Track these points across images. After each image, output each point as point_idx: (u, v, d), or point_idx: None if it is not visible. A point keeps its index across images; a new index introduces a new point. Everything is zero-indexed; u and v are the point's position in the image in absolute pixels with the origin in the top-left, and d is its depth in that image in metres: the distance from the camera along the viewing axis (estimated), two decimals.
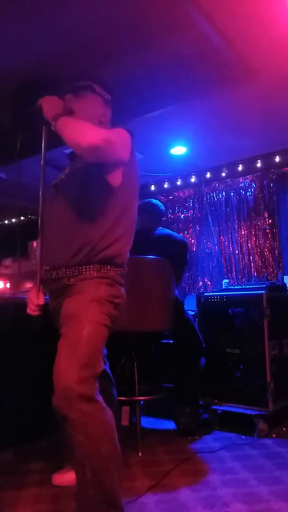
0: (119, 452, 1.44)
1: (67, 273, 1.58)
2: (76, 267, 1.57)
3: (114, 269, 1.61)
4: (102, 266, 1.57)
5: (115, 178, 1.61)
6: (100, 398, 1.42)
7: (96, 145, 1.46)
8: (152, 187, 4.74)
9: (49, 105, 1.63)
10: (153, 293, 2.55)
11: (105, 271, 1.58)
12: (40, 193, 1.68)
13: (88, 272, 1.56)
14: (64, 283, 1.59)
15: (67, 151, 1.85)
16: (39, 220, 1.66)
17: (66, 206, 1.63)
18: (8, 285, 3.80)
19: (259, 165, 4.10)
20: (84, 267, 1.56)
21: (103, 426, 1.40)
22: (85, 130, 1.50)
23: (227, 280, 3.92)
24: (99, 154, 1.49)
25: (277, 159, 3.98)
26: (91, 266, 1.56)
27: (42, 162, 1.68)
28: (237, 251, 4.30)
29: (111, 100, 1.80)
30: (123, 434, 2.65)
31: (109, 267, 1.59)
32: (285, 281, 3.64)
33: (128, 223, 1.67)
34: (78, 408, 1.35)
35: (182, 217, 4.74)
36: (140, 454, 2.34)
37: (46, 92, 1.70)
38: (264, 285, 3.06)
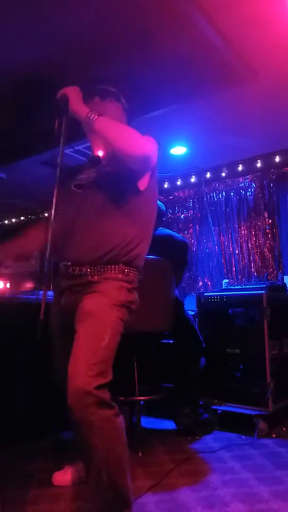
0: (128, 455, 1.46)
1: (92, 270, 1.60)
2: (102, 266, 1.60)
3: (135, 271, 1.66)
4: (126, 266, 1.62)
5: (143, 183, 1.68)
6: (115, 405, 1.44)
7: (148, 155, 1.57)
8: None
9: (76, 97, 1.60)
10: (153, 293, 2.54)
11: (128, 272, 1.62)
12: (55, 186, 1.57)
13: (113, 271, 1.60)
14: (88, 280, 1.60)
15: (79, 147, 1.81)
16: (52, 214, 1.55)
17: (97, 207, 1.66)
18: (8, 285, 3.79)
19: (259, 165, 4.10)
20: (109, 266, 1.60)
21: (117, 431, 1.42)
22: (137, 138, 1.57)
23: (227, 280, 3.91)
24: (146, 162, 1.59)
25: (277, 159, 3.98)
26: (116, 266, 1.60)
27: (60, 154, 1.58)
28: (237, 251, 4.30)
29: (128, 110, 1.88)
30: None
31: (131, 268, 1.64)
32: (285, 281, 3.64)
33: (150, 227, 1.75)
34: (96, 413, 1.35)
35: (182, 217, 4.74)
36: (140, 454, 2.33)
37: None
38: (264, 285, 3.06)
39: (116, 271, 1.60)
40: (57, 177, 1.58)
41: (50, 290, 1.75)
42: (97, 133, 1.61)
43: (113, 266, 1.60)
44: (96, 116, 1.56)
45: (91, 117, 1.55)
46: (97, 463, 1.37)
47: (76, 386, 1.36)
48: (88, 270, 1.60)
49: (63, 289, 1.71)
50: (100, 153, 1.77)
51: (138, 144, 1.56)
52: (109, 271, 1.59)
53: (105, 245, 1.60)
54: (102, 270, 1.60)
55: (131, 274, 1.64)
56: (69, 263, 1.66)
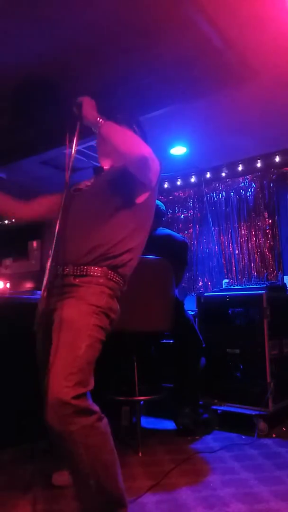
0: (116, 456, 1.44)
1: (75, 271, 1.58)
2: (84, 266, 1.57)
3: (118, 279, 1.62)
4: (109, 271, 1.59)
5: (140, 198, 1.70)
6: (96, 407, 1.42)
7: (145, 157, 1.61)
8: None
9: (89, 105, 1.71)
10: (153, 293, 2.54)
11: (111, 277, 1.59)
12: (65, 185, 1.68)
13: (94, 274, 1.57)
14: (70, 281, 1.58)
15: (83, 149, 1.89)
16: (60, 216, 1.62)
17: (87, 210, 1.68)
18: (8, 285, 3.80)
19: (259, 165, 4.11)
20: (91, 267, 1.57)
21: (102, 436, 1.40)
22: (138, 141, 1.67)
23: (227, 280, 3.92)
24: (144, 166, 1.62)
25: (277, 159, 3.98)
26: (99, 269, 1.57)
27: (71, 156, 1.70)
28: (237, 251, 4.30)
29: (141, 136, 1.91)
30: (123, 434, 2.66)
31: (114, 274, 1.60)
32: (285, 281, 3.64)
33: (140, 239, 1.73)
34: (76, 422, 1.33)
35: (182, 217, 4.74)
36: (140, 454, 2.33)
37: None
38: (264, 285, 3.06)
39: (99, 274, 1.56)
40: (68, 177, 1.67)
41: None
42: (103, 136, 1.69)
43: (96, 268, 1.57)
44: (103, 121, 1.66)
45: (99, 121, 1.66)
46: (84, 472, 1.35)
47: (53, 398, 1.34)
48: (71, 270, 1.58)
49: (47, 289, 1.67)
50: (106, 166, 1.86)
51: (137, 145, 1.62)
52: (91, 272, 1.56)
53: (89, 243, 1.59)
54: (84, 271, 1.57)
55: (114, 281, 1.60)
56: (54, 263, 1.64)
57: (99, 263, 1.58)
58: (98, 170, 1.88)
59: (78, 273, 1.57)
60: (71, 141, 1.71)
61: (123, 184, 1.68)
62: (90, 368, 1.44)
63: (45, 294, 1.55)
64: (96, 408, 1.41)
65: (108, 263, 1.59)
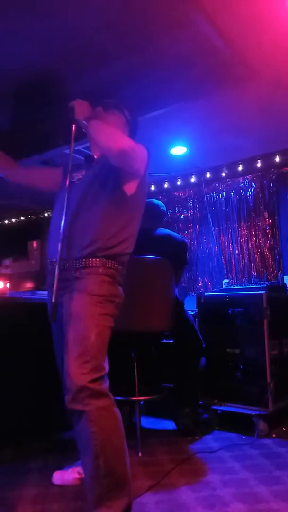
0: (126, 443, 1.53)
1: (75, 264, 1.66)
2: (83, 259, 1.65)
3: (117, 265, 1.70)
4: (107, 260, 1.67)
5: (130, 188, 1.76)
6: (111, 396, 1.52)
7: (125, 150, 1.66)
8: (152, 187, 4.74)
9: (81, 107, 1.81)
10: (153, 293, 2.54)
11: (109, 265, 1.67)
12: (67, 184, 1.75)
13: (93, 265, 1.65)
14: (72, 275, 1.66)
15: (82, 148, 1.98)
16: (65, 214, 1.70)
17: (81, 204, 1.73)
18: (8, 285, 3.79)
19: (259, 165, 4.11)
20: (90, 260, 1.65)
21: (115, 420, 1.50)
22: (118, 136, 1.75)
23: (227, 280, 3.91)
24: (125, 159, 1.67)
25: (277, 159, 3.98)
26: (97, 260, 1.65)
27: (70, 157, 1.80)
28: (237, 251, 4.30)
29: (132, 121, 2.00)
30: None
31: (113, 263, 1.68)
32: (285, 281, 3.64)
33: (133, 229, 1.80)
34: (93, 403, 1.45)
35: (182, 217, 4.74)
36: (140, 454, 2.33)
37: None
38: (264, 285, 3.06)
39: (97, 264, 1.65)
40: (69, 177, 1.76)
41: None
42: (89, 134, 1.81)
43: (94, 260, 1.65)
44: (92, 120, 1.78)
45: (85, 122, 1.78)
46: (95, 449, 1.43)
47: (71, 384, 1.46)
48: (71, 264, 1.67)
49: (51, 286, 1.74)
50: (96, 155, 1.92)
51: (117, 140, 1.69)
52: (90, 264, 1.65)
53: (86, 238, 1.67)
54: (83, 264, 1.65)
55: (113, 268, 1.69)
56: (54, 260, 1.73)
57: (97, 255, 1.66)
58: (89, 159, 1.94)
59: (78, 266, 1.66)
60: (69, 144, 1.79)
61: (111, 172, 1.74)
62: (103, 354, 1.56)
63: (55, 287, 1.62)
64: (111, 395, 1.52)
65: (105, 254, 1.67)
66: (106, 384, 1.51)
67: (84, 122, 1.78)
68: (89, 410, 1.44)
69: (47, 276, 1.82)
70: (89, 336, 1.53)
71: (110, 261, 1.67)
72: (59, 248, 1.64)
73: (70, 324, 1.57)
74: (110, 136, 1.73)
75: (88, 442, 1.45)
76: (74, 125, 1.80)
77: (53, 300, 1.58)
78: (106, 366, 1.55)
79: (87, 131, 1.81)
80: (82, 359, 1.48)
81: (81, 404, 1.44)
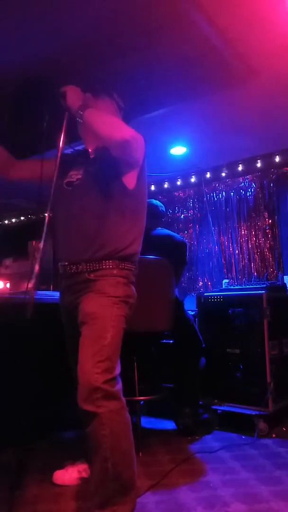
0: (134, 449, 1.52)
1: (88, 267, 1.65)
2: (97, 262, 1.64)
3: (130, 266, 1.70)
4: (120, 262, 1.66)
5: (130, 180, 1.72)
6: (123, 399, 1.50)
7: (127, 140, 1.60)
8: (152, 187, 4.74)
9: (73, 94, 1.69)
10: (153, 293, 2.54)
11: (123, 267, 1.66)
12: (53, 184, 1.67)
13: (108, 267, 1.64)
14: (85, 278, 1.65)
15: (79, 147, 1.90)
16: (47, 214, 1.65)
17: (87, 205, 1.70)
18: (8, 285, 3.80)
19: (259, 165, 4.10)
20: (104, 262, 1.64)
21: (125, 424, 1.49)
22: (119, 125, 1.66)
23: (227, 280, 3.92)
24: (127, 148, 1.62)
25: (277, 159, 3.98)
26: (111, 262, 1.65)
27: (59, 148, 1.70)
28: (237, 251, 4.30)
29: (124, 109, 1.92)
30: None
31: (126, 263, 1.68)
32: (285, 281, 3.64)
33: (141, 225, 1.79)
34: (105, 405, 1.43)
35: (182, 217, 4.74)
36: (140, 454, 2.33)
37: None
38: (264, 285, 3.06)
39: (111, 266, 1.64)
40: (55, 175, 1.67)
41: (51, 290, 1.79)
42: (85, 124, 1.68)
43: (108, 262, 1.64)
44: (87, 109, 1.65)
45: (80, 111, 1.65)
46: (104, 452, 1.42)
47: (84, 383, 1.45)
48: (84, 267, 1.65)
49: (63, 289, 1.78)
50: (90, 148, 1.84)
51: (118, 129, 1.62)
52: (104, 266, 1.64)
53: (97, 242, 1.65)
54: (97, 266, 1.64)
55: (127, 269, 1.68)
56: (66, 263, 1.72)
57: (111, 257, 1.65)
58: (84, 154, 1.87)
59: (92, 269, 1.64)
60: (61, 134, 1.69)
61: (112, 168, 1.69)
62: (116, 356, 1.55)
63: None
64: (123, 398, 1.51)
65: (118, 256, 1.66)
66: (118, 386, 1.50)
67: (79, 111, 1.64)
68: (101, 413, 1.43)
69: (60, 279, 1.79)
70: (105, 336, 1.52)
71: (122, 262, 1.67)
72: (69, 251, 1.64)
73: (86, 324, 1.57)
74: (110, 125, 1.64)
75: (97, 444, 1.44)
76: (66, 113, 1.68)
77: (61, 303, 1.57)
78: (118, 368, 1.54)
79: (81, 120, 1.66)
80: (97, 358, 1.48)
81: (94, 405, 1.43)
